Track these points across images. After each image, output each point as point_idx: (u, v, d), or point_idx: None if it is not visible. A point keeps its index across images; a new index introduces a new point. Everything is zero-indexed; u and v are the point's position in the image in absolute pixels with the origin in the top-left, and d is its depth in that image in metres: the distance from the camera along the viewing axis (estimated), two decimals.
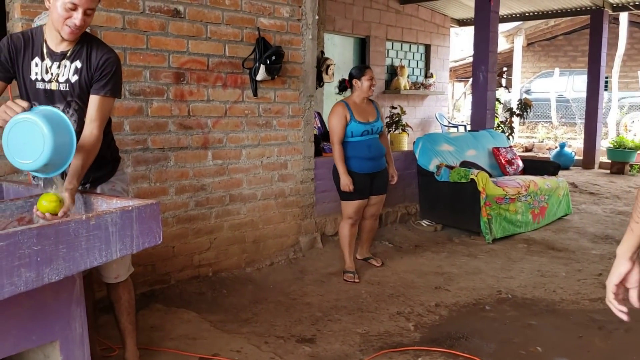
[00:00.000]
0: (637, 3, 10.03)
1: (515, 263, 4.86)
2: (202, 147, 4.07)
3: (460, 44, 17.89)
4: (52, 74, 2.36)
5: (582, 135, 11.02)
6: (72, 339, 2.35)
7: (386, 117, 9.38)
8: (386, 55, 9.60)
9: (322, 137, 6.78)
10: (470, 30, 11.10)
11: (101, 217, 1.99)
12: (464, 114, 15.31)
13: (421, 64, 10.40)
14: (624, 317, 1.56)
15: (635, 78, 13.40)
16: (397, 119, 9.19)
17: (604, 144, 11.09)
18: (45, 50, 2.34)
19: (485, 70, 6.85)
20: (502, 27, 13.90)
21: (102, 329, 3.32)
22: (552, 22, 14.36)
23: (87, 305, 2.42)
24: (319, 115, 7.48)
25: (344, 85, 4.51)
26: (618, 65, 12.50)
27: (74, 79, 2.38)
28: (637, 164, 9.98)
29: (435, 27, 10.43)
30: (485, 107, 6.91)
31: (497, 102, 9.15)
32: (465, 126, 10.96)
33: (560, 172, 7.22)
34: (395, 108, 9.27)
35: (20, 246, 1.71)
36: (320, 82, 8.36)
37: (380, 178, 4.49)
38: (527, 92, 14.77)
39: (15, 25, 3.20)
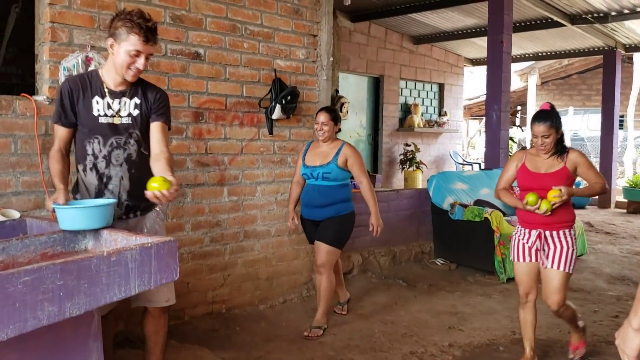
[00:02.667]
0: None
1: None
2: (218, 184, 4.15)
3: (475, 82, 18.04)
4: (113, 109, 2.62)
5: None
6: None
7: (400, 154, 9.46)
8: (400, 94, 9.74)
9: None
10: (484, 69, 11.25)
11: (121, 254, 2.05)
12: (479, 152, 15.33)
13: (435, 102, 10.51)
14: None
15: None
16: (411, 156, 9.25)
17: (620, 183, 11.03)
18: (105, 89, 2.62)
19: (499, 109, 6.92)
20: (516, 66, 14.03)
21: None
22: (565, 61, 14.47)
23: (106, 340, 2.46)
24: None
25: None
26: (633, 104, 12.53)
27: (135, 112, 2.67)
28: None
29: (449, 66, 10.57)
30: (499, 145, 6.95)
31: (510, 141, 9.19)
32: (479, 164, 10.99)
33: (576, 212, 7.19)
34: (409, 145, 9.35)
35: (44, 281, 1.77)
36: None
37: (324, 226, 4.04)
38: None
39: (44, 67, 3.33)
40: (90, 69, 3.22)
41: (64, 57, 3.28)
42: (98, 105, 2.61)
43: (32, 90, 3.41)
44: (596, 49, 10.39)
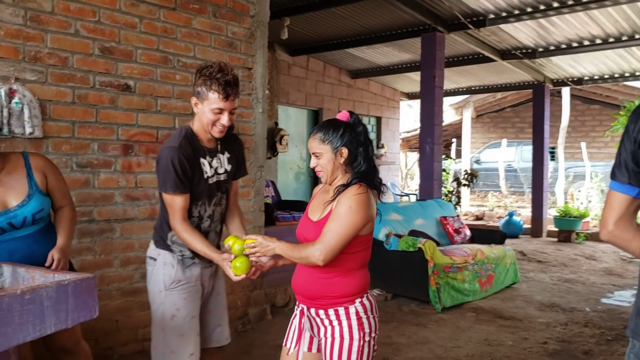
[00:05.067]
0: (574, 79, 10.67)
1: (464, 332, 4.91)
2: (149, 218, 4.07)
3: (413, 115, 18.54)
4: (213, 168, 2.64)
5: (531, 204, 11.38)
6: None
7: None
8: None
9: (276, 205, 6.86)
10: None
11: (36, 292, 1.98)
12: (417, 182, 15.67)
13: (373, 135, 10.72)
14: None
15: (579, 149, 14.05)
16: None
17: (552, 212, 11.46)
18: (204, 149, 2.61)
19: (432, 142, 7.12)
20: (451, 100, 14.51)
21: None
22: (499, 94, 15.07)
23: None
24: (273, 184, 7.59)
25: None
26: (563, 136, 13.11)
27: (229, 168, 2.73)
28: (583, 232, 10.31)
29: (386, 100, 10.84)
30: (433, 177, 7.14)
31: (444, 172, 9.44)
32: (416, 195, 11.22)
33: (509, 241, 7.43)
34: None
35: None
36: (274, 152, 8.56)
37: None
38: (477, 161, 15.27)
39: None
40: (14, 101, 3.14)
41: None
42: (205, 167, 2.59)
43: None
44: (526, 83, 10.88)
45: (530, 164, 11.34)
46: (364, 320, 2.19)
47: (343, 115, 2.29)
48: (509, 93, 14.73)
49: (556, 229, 10.51)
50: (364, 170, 2.23)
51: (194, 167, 2.54)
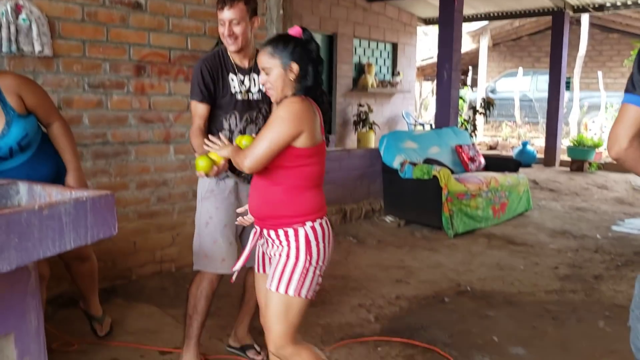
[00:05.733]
0: (596, 5, 10.28)
1: (476, 257, 4.96)
2: (163, 142, 4.05)
3: (429, 44, 18.09)
4: (245, 86, 2.72)
5: (544, 134, 11.25)
6: (27, 332, 2.33)
7: (353, 115, 9.45)
8: (354, 53, 9.66)
9: None
10: (437, 30, 11.24)
11: (54, 207, 1.98)
12: (431, 113, 15.49)
13: (388, 62, 10.49)
14: None
15: (595, 79, 13.74)
16: (364, 117, 9.25)
17: (565, 142, 11.33)
18: (235, 67, 2.70)
19: (450, 68, 6.96)
20: (468, 27, 14.10)
21: (61, 323, 3.30)
22: (517, 22, 14.62)
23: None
24: None
25: None
26: (579, 65, 12.79)
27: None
28: (595, 162, 10.23)
29: (402, 25, 10.53)
30: (449, 105, 7.02)
31: (461, 101, 9.29)
32: (430, 125, 11.10)
33: (522, 170, 7.38)
34: (363, 106, 9.34)
35: None
36: None
37: None
38: (492, 91, 15.01)
39: None
40: (20, 17, 3.06)
41: None
42: (233, 83, 2.70)
43: None
44: (546, 9, 10.50)
45: (545, 94, 11.11)
46: (313, 245, 2.12)
47: (295, 31, 2.15)
48: (526, 21, 14.28)
49: (569, 159, 10.43)
50: (309, 86, 2.12)
51: (219, 80, 2.68)
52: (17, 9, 3.08)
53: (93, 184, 3.65)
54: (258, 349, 3.05)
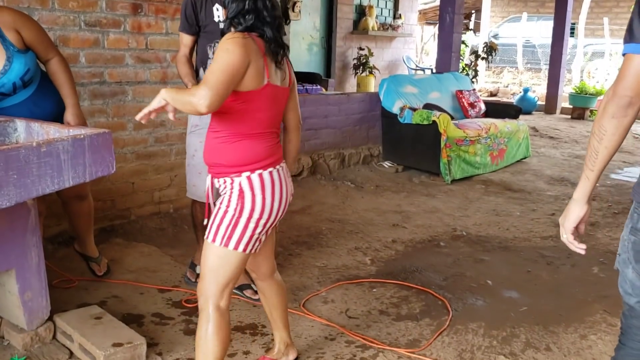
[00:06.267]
0: None
1: (472, 203, 5.00)
2: (160, 82, 4.00)
3: None
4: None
5: (546, 81, 11.14)
6: (28, 268, 2.37)
7: (353, 59, 9.32)
8: None
9: None
10: None
11: (52, 145, 1.98)
12: (433, 58, 15.28)
13: (390, 5, 10.26)
14: (583, 252, 1.66)
15: (601, 25, 13.49)
16: (364, 60, 9.12)
17: (567, 90, 11.23)
18: None
19: (452, 11, 6.81)
20: None
21: (61, 261, 3.35)
22: None
23: None
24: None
25: None
26: (585, 11, 12.54)
27: None
28: (597, 110, 10.18)
29: None
30: (451, 49, 6.91)
31: (463, 45, 9.14)
32: (431, 70, 10.96)
33: (523, 117, 7.34)
34: (363, 49, 9.19)
35: None
36: (286, 19, 8.24)
37: None
38: (495, 36, 14.77)
39: None
40: None
41: None
42: (218, 12, 2.80)
43: None
44: None
45: (549, 40, 10.94)
46: (247, 196, 1.98)
47: None
48: None
49: (570, 106, 10.37)
50: (251, 24, 1.98)
51: (202, 10, 2.83)
52: None
53: (91, 124, 3.62)
54: (255, 288, 3.10)
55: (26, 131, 2.37)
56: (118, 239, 3.78)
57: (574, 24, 12.72)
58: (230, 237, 1.98)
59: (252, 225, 2.00)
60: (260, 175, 2.00)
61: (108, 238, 3.77)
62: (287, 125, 2.27)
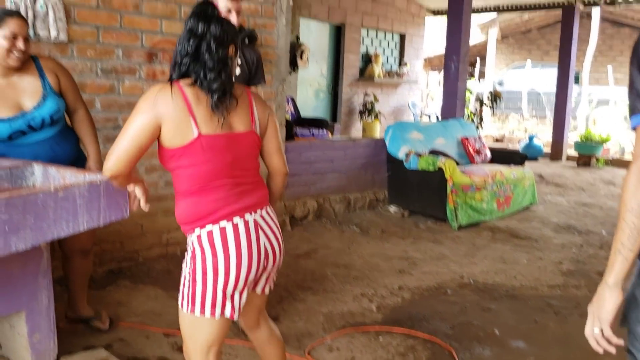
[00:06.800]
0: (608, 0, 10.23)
1: (479, 250, 5.00)
2: None
3: (437, 36, 18.01)
4: None
5: (552, 128, 11.23)
6: (38, 310, 2.40)
7: (359, 105, 9.46)
8: (361, 43, 9.66)
9: (294, 122, 6.85)
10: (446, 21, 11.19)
11: (69, 190, 2.03)
12: (438, 103, 15.47)
13: (396, 53, 10.48)
14: (614, 350, 1.48)
15: (605, 73, 13.68)
16: (370, 106, 9.27)
17: (573, 137, 11.31)
18: None
19: (457, 60, 6.96)
20: (477, 19, 14.05)
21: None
22: (526, 16, 14.56)
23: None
24: (293, 100, 7.54)
25: None
26: (589, 60, 12.73)
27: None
28: (603, 158, 10.23)
29: (411, 16, 10.50)
30: (456, 96, 7.03)
31: (468, 92, 9.28)
32: (437, 116, 11.09)
33: (529, 164, 7.40)
34: (369, 95, 9.35)
35: None
36: (294, 67, 8.42)
37: None
38: (500, 84, 14.98)
39: None
40: (38, 3, 3.11)
41: None
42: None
43: None
44: (556, 3, 10.45)
45: (553, 88, 11.09)
46: (197, 255, 1.85)
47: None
48: (536, 14, 14.21)
49: (576, 154, 10.43)
50: (185, 70, 1.84)
51: None
52: None
53: None
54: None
55: (43, 175, 2.43)
56: (125, 281, 3.80)
57: (578, 72, 12.90)
58: (192, 303, 1.85)
59: (210, 287, 1.83)
60: (210, 231, 1.85)
61: (115, 280, 3.79)
62: (268, 169, 2.13)
